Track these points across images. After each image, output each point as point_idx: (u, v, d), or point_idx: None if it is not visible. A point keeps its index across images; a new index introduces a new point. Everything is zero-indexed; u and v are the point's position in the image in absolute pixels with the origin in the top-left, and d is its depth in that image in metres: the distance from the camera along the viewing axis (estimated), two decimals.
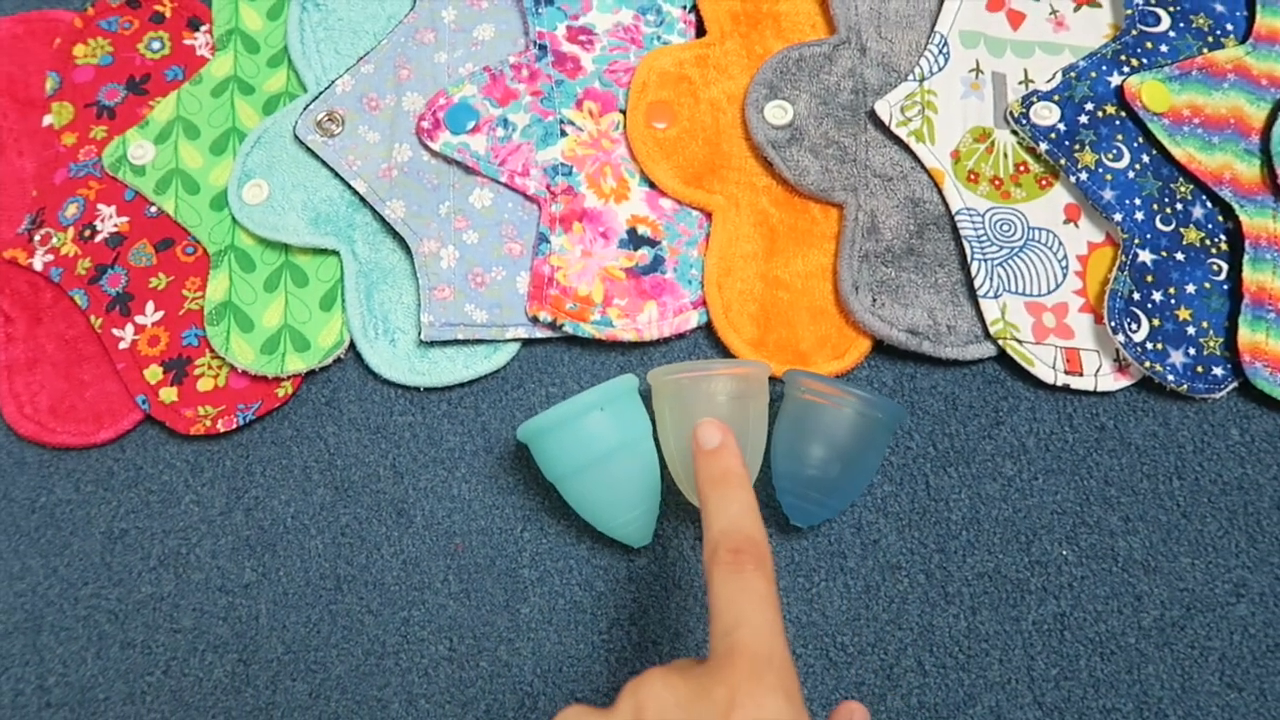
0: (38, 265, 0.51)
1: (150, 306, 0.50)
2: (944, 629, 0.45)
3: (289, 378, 0.49)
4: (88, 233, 0.51)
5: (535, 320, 0.49)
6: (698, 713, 0.30)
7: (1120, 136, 0.50)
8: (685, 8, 0.55)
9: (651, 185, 0.51)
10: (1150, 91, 0.50)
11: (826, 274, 0.50)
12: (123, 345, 0.49)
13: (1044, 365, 0.48)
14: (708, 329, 0.50)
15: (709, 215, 0.51)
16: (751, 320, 0.49)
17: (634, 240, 0.50)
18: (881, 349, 0.49)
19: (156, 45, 0.56)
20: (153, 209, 0.52)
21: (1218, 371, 0.47)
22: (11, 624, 0.46)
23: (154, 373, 0.49)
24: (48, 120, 0.54)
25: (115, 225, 0.52)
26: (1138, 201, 0.49)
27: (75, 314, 0.51)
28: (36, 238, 0.52)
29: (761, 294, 0.49)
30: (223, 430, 0.48)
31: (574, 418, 0.43)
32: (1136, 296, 0.47)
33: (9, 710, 0.45)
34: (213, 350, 0.49)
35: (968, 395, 0.48)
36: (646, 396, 0.46)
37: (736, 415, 0.43)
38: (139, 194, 0.52)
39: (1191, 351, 0.47)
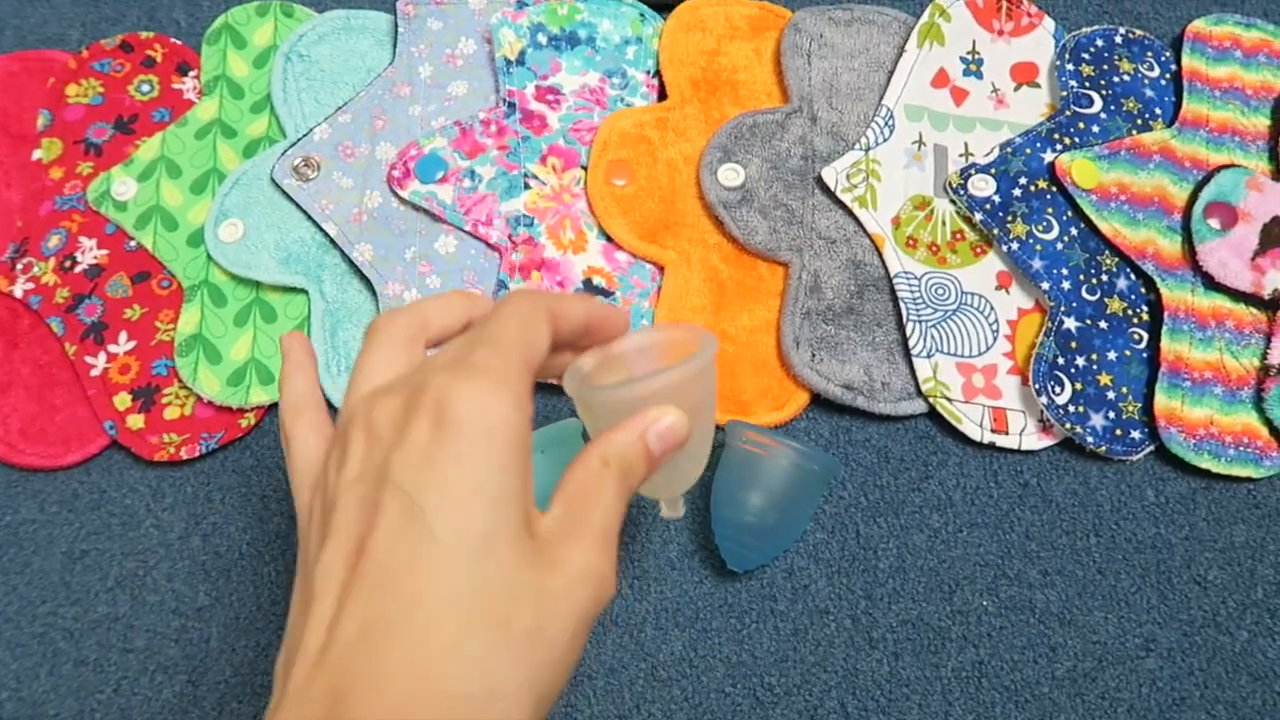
0: (18, 292, 0.53)
1: (123, 336, 0.52)
2: (867, 673, 0.47)
3: (253, 409, 0.51)
4: (68, 263, 0.54)
5: None
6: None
7: (1051, 210, 0.53)
8: (649, 72, 0.58)
9: (608, 239, 0.54)
10: (1080, 169, 0.53)
11: (770, 329, 0.52)
12: (94, 372, 0.52)
13: (972, 423, 0.50)
14: None
15: (661, 269, 0.53)
16: None
17: (589, 290, 0.53)
18: (819, 402, 0.52)
19: (146, 88, 0.58)
20: (132, 243, 0.54)
21: (1135, 435, 0.50)
22: None
23: (123, 400, 0.51)
24: (37, 155, 0.57)
25: (95, 257, 0.54)
26: (1065, 271, 0.52)
27: (51, 340, 0.53)
28: (19, 266, 0.54)
29: None
30: (186, 458, 0.50)
31: None
32: (1061, 361, 0.50)
33: None
34: (181, 380, 0.51)
35: (899, 449, 0.51)
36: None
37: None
38: (119, 228, 0.54)
39: (1111, 415, 0.50)
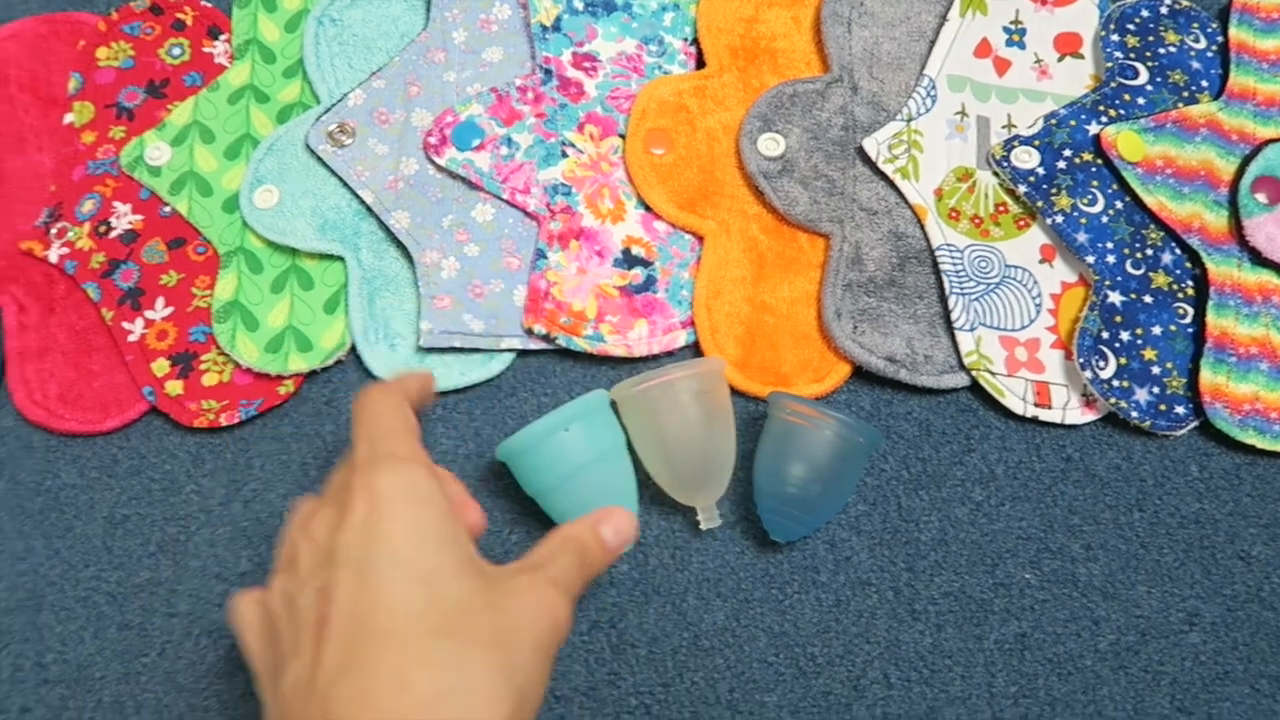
0: (53, 258, 0.53)
1: (160, 302, 0.52)
2: (910, 644, 0.47)
3: (291, 377, 0.51)
4: (103, 228, 0.53)
5: (530, 332, 0.51)
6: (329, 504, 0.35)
7: (1095, 183, 0.52)
8: (687, 40, 0.57)
9: (647, 208, 0.53)
10: (1126, 141, 0.52)
11: (811, 301, 0.52)
12: (132, 338, 0.51)
13: (1015, 397, 0.50)
14: (694, 348, 0.52)
15: (701, 239, 0.53)
16: (737, 342, 0.51)
17: (628, 260, 0.52)
18: (860, 374, 0.51)
19: (177, 51, 0.58)
20: (166, 209, 0.54)
21: (1179, 410, 0.50)
22: (14, 602, 0.48)
23: (161, 366, 0.51)
24: (68, 118, 0.56)
25: (130, 223, 0.54)
26: (1110, 245, 0.51)
27: (87, 306, 0.53)
28: (53, 231, 0.54)
29: (748, 317, 0.51)
30: (225, 424, 0.50)
31: (545, 437, 0.44)
32: (1105, 335, 0.49)
33: (8, 685, 0.46)
34: (219, 347, 0.51)
35: (941, 422, 0.51)
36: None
37: (702, 410, 0.45)
38: (154, 194, 0.54)
39: (1155, 390, 0.50)
